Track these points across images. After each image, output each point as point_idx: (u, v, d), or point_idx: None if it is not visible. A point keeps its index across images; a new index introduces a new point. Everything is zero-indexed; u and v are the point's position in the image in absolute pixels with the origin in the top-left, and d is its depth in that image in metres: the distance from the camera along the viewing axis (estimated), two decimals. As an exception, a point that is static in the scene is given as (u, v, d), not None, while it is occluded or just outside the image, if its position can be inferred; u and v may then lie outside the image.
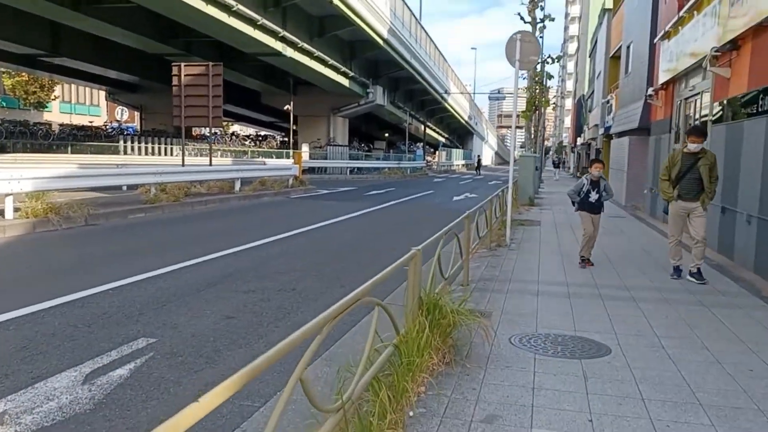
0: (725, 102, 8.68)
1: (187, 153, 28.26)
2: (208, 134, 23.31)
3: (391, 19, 34.11)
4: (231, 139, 45.18)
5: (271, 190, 19.93)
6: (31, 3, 20.67)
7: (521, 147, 26.15)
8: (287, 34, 26.28)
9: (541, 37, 22.33)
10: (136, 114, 47.94)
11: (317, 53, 29.72)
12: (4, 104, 45.90)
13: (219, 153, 33.86)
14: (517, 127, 12.98)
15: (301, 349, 2.23)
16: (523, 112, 22.99)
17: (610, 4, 30.69)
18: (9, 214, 10.62)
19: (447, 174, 50.27)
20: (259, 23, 23.90)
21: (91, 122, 48.13)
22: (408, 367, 3.41)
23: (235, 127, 65.26)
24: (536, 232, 11.22)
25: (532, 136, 25.32)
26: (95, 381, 3.90)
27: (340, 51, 33.94)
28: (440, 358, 3.84)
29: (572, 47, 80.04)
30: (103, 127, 43.97)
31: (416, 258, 3.86)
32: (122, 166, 18.56)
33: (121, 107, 45.76)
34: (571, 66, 79.89)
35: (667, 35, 12.60)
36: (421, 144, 59.74)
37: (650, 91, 14.34)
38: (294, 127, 40.45)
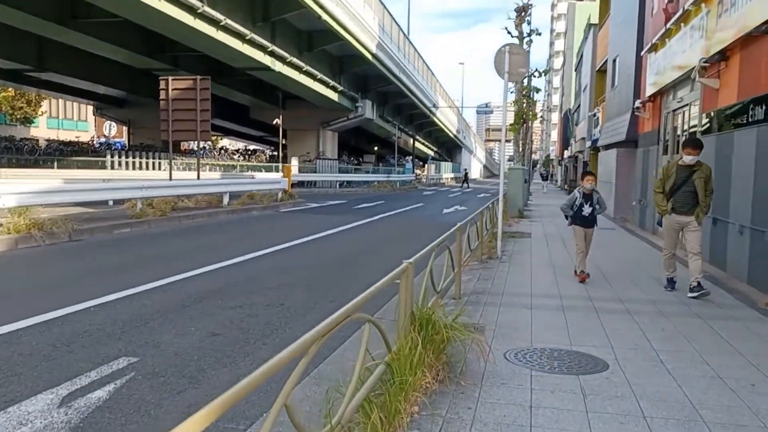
0: (714, 113, 8.67)
1: (175, 167, 28.02)
2: (197, 148, 23.14)
3: (380, 34, 34.23)
4: (220, 153, 44.96)
5: (260, 204, 19.75)
6: (14, 17, 20.45)
7: (509, 160, 26.16)
8: (276, 49, 26.24)
9: (528, 51, 22.42)
10: (125, 129, 47.59)
11: (306, 68, 29.69)
12: (-10, 120, 45.46)
13: (208, 167, 33.62)
14: (506, 140, 12.98)
15: (289, 367, 2.09)
16: (511, 125, 23.02)
17: (595, 19, 31.01)
18: (-10, 230, 10.38)
19: (436, 187, 50.29)
20: (247, 38, 23.84)
21: (77, 137, 47.69)
22: (401, 386, 3.27)
23: (225, 142, 65.03)
24: (527, 244, 11.14)
25: (520, 149, 25.37)
26: (72, 404, 3.72)
27: (329, 65, 33.97)
28: (434, 375, 3.69)
29: (558, 62, 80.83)
30: (91, 142, 43.63)
31: (408, 272, 3.74)
32: (108, 180, 18.33)
33: (109, 122, 45.43)
34: (556, 81, 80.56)
35: (654, 48, 12.66)
36: (410, 157, 59.82)
37: (638, 103, 14.39)
38: (283, 141, 40.34)
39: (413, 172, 54.31)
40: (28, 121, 48.09)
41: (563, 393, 3.68)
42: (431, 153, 76.33)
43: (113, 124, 45.46)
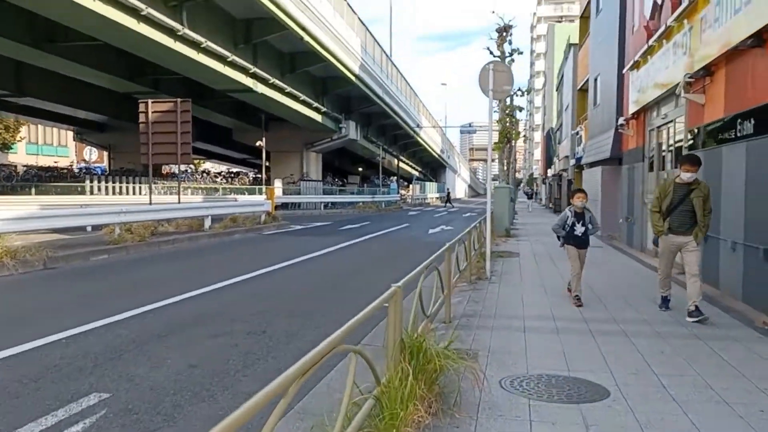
0: (702, 128, 8.61)
1: (156, 191, 27.66)
2: (178, 172, 22.83)
3: (362, 56, 34.32)
4: (202, 176, 44.60)
5: (243, 227, 19.44)
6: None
7: (493, 179, 26.12)
8: (258, 71, 26.14)
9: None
10: (105, 154, 47.05)
11: (289, 89, 29.61)
12: (-33, 146, 44.74)
13: (189, 190, 33.24)
14: (491, 159, 12.94)
15: (273, 402, 1.85)
16: (496, 143, 23.06)
17: (575, 39, 31.33)
18: (-40, 258, 9.98)
19: (421, 207, 50.20)
20: (229, 60, 23.71)
21: (56, 162, 47.06)
22: (391, 421, 3.03)
23: (207, 165, 64.60)
24: (516, 263, 10.96)
25: (505, 168, 25.41)
26: (34, 448, 3.42)
27: (312, 87, 33.94)
28: (426, 408, 3.45)
29: (538, 82, 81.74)
30: (70, 167, 43.03)
31: (396, 296, 3.51)
32: (86, 206, 17.93)
33: (89, 147, 44.92)
34: (538, 100, 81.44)
35: (636, 65, 12.68)
36: (395, 178, 59.83)
37: (621, 120, 14.39)
38: (267, 163, 40.09)
39: (398, 193, 54.22)
40: (6, 147, 47.41)
41: (564, 425, 3.45)
42: (416, 173, 76.47)
43: (94, 149, 44.95)
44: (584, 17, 26.44)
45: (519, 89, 25.57)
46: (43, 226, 13.08)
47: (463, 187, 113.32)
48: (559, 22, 72.22)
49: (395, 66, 45.57)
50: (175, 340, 5.80)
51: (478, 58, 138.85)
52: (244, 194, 34.15)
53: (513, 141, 24.72)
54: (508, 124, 23.66)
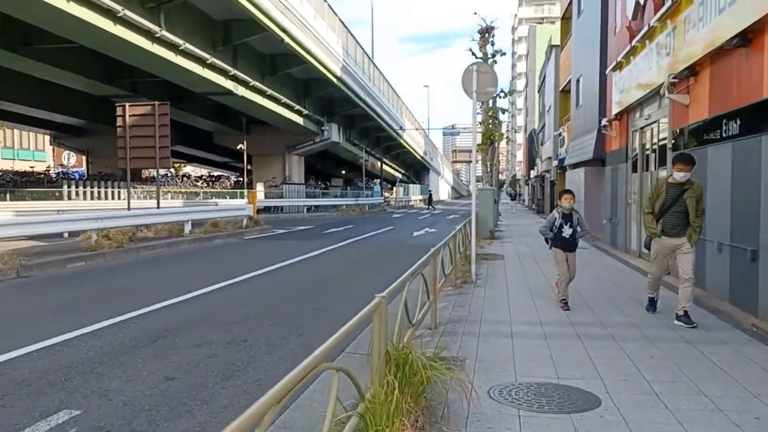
0: (685, 129, 8.57)
1: (135, 196, 27.21)
2: (157, 176, 22.48)
3: (344, 57, 34.13)
4: (182, 180, 44.07)
5: (224, 232, 19.16)
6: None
7: (477, 181, 26.16)
8: (238, 73, 25.84)
9: (493, 71, 22.49)
10: (84, 158, 46.30)
11: (270, 92, 29.33)
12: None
13: (169, 195, 32.78)
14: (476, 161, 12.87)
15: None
16: (479, 145, 22.99)
17: (557, 41, 31.47)
18: (-72, 268, 9.64)
19: (405, 209, 50.11)
20: (208, 62, 23.39)
21: (32, 167, 46.18)
22: (376, 439, 2.87)
23: (188, 168, 63.93)
24: (500, 266, 10.86)
25: (489, 169, 25.37)
26: (-4, 474, 3.21)
27: (293, 89, 33.66)
28: (412, 422, 3.29)
29: (520, 84, 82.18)
30: (47, 171, 42.28)
31: (381, 307, 3.35)
32: (63, 212, 17.54)
33: (67, 151, 44.20)
34: (520, 102, 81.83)
35: (618, 66, 12.67)
36: (379, 180, 59.63)
37: (604, 121, 14.38)
38: (248, 167, 39.71)
39: (382, 195, 54.06)
40: (-20, 152, 46.50)
41: (557, 437, 3.32)
42: (399, 175, 76.35)
43: (72, 153, 44.25)
44: (566, 18, 26.53)
45: (502, 91, 25.57)
46: (19, 233, 12.76)
47: (446, 189, 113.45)
48: (541, 23, 72.74)
49: (377, 68, 45.44)
50: (152, 351, 5.59)
51: (460, 60, 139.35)
52: (226, 198, 33.79)
53: (496, 143, 24.70)
54: (491, 125, 23.63)
